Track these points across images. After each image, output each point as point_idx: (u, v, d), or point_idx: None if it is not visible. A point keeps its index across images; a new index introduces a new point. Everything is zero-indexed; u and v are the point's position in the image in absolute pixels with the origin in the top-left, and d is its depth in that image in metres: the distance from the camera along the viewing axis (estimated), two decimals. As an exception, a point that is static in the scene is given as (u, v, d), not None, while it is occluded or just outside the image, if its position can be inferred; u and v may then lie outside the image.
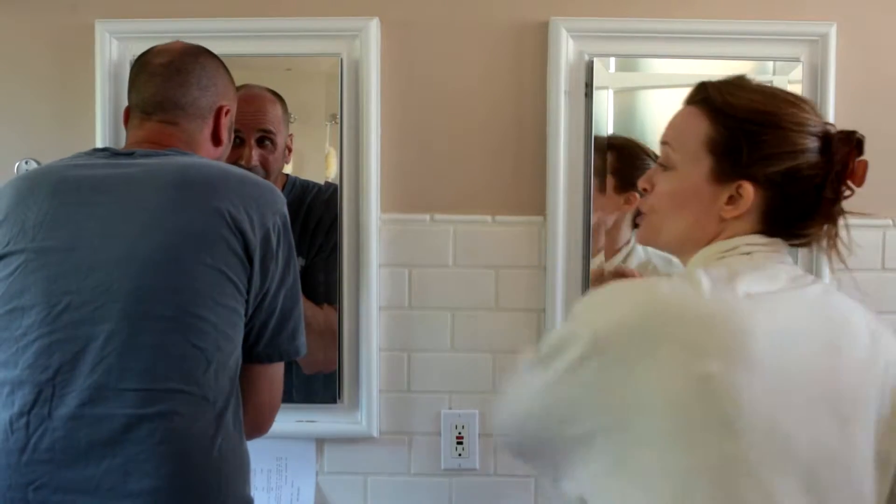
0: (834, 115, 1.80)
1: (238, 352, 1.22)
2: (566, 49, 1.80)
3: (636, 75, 1.86)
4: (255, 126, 1.75)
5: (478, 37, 1.83)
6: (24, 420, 1.13)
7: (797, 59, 1.82)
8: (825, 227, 1.02)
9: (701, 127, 1.02)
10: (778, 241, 1.02)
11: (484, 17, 1.83)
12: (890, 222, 1.85)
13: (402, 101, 1.84)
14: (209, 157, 1.35)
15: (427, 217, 1.85)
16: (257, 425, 1.32)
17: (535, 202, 1.83)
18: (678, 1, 1.82)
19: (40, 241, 1.17)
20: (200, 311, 1.15)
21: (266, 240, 1.21)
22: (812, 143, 1.00)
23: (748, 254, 1.00)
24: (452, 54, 1.83)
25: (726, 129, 1.00)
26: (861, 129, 1.79)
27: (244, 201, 1.20)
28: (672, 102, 1.10)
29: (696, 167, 1.02)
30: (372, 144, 1.80)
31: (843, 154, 1.00)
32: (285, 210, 1.28)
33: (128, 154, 1.27)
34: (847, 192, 1.02)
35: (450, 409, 1.85)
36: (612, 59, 1.83)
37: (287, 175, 1.84)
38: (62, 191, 1.21)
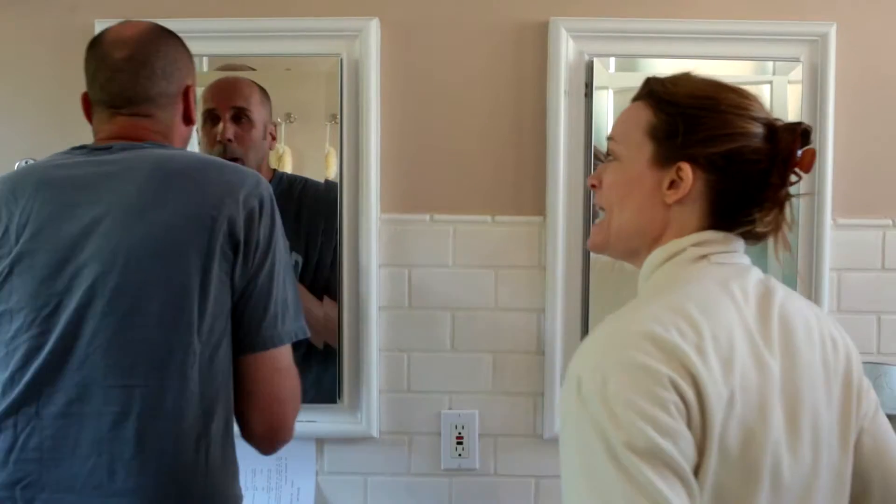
0: (834, 114, 1.80)
1: (227, 344, 1.19)
2: (566, 49, 1.80)
3: (636, 75, 1.86)
4: (228, 103, 1.79)
5: (478, 37, 1.83)
6: (12, 420, 1.13)
7: (797, 59, 1.82)
8: (772, 212, 1.00)
9: (643, 116, 1.03)
10: (730, 236, 1.01)
11: (484, 17, 1.83)
12: (890, 222, 1.85)
13: (402, 102, 1.84)
14: (182, 137, 1.33)
15: (427, 217, 1.85)
16: (270, 424, 1.23)
17: (535, 202, 1.83)
18: (678, 1, 1.82)
19: (26, 244, 1.17)
20: (185, 304, 1.13)
21: (249, 225, 1.19)
22: (754, 129, 0.99)
23: (706, 258, 0.99)
24: (452, 54, 1.83)
25: (667, 115, 1.01)
26: (861, 129, 1.82)
27: (224, 189, 1.18)
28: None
29: (639, 154, 1.02)
30: (372, 144, 1.80)
31: (787, 142, 0.99)
32: (268, 194, 1.24)
33: (105, 149, 1.24)
34: (794, 179, 1.01)
35: (450, 409, 1.85)
36: (612, 59, 1.83)
37: (274, 170, 1.85)
38: (45, 192, 1.20)
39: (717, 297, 0.95)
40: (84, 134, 1.35)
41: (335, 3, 1.82)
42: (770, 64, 1.84)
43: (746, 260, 1.03)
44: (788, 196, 1.01)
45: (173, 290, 1.14)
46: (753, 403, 0.89)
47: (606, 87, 1.81)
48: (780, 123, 1.01)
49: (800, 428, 0.93)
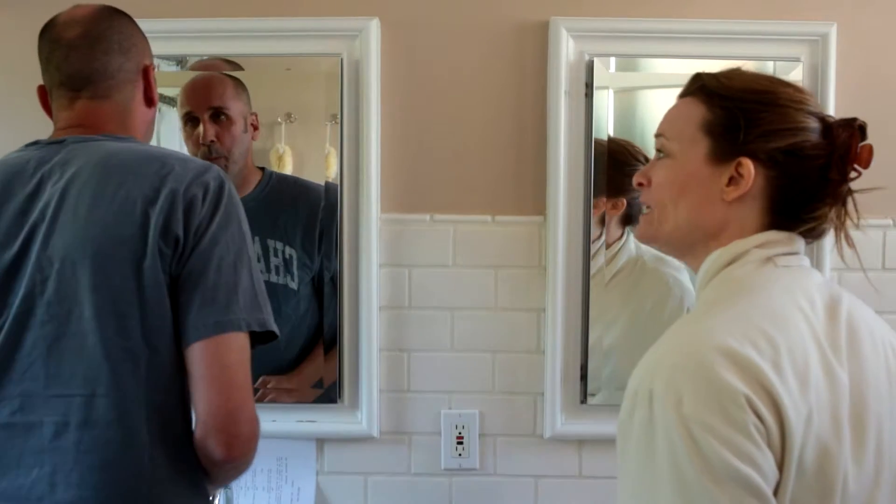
0: (834, 114, 1.79)
1: (171, 346, 1.12)
2: (566, 49, 1.80)
3: (636, 75, 1.86)
4: (205, 105, 1.80)
5: (478, 37, 1.83)
6: None
7: (797, 59, 1.82)
8: (833, 209, 0.99)
9: (696, 112, 1.01)
10: (793, 236, 0.99)
11: (484, 17, 1.83)
12: (890, 222, 1.85)
13: (402, 102, 1.84)
14: (144, 120, 1.29)
15: (427, 217, 1.85)
16: (226, 409, 1.10)
17: (535, 202, 1.83)
18: (678, 1, 1.82)
19: None
20: (122, 308, 1.09)
21: (189, 215, 1.12)
22: (812, 123, 0.98)
23: (773, 262, 0.96)
24: (452, 54, 1.83)
25: (723, 110, 0.99)
26: (861, 129, 1.82)
27: (162, 183, 1.13)
28: (672, 102, 1.09)
29: (694, 150, 1.00)
30: (372, 144, 1.80)
31: (844, 138, 0.98)
32: (216, 182, 1.16)
33: (59, 142, 1.21)
34: (853, 175, 0.99)
35: (450, 409, 1.85)
36: (612, 59, 1.83)
37: (262, 169, 1.85)
38: None
39: (787, 306, 0.92)
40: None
41: (335, 3, 1.82)
42: (770, 64, 1.84)
43: (807, 261, 1.01)
44: (850, 192, 0.99)
45: (108, 294, 1.09)
46: (827, 419, 0.87)
47: (607, 87, 1.81)
48: (832, 120, 1.00)
49: (865, 438, 0.91)
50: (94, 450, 1.08)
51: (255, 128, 1.83)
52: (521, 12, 1.82)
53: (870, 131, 1.04)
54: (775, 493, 0.84)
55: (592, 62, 1.80)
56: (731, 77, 1.02)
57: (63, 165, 1.16)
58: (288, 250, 1.82)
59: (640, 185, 1.06)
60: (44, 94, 1.29)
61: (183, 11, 1.80)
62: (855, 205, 1.00)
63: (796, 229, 0.99)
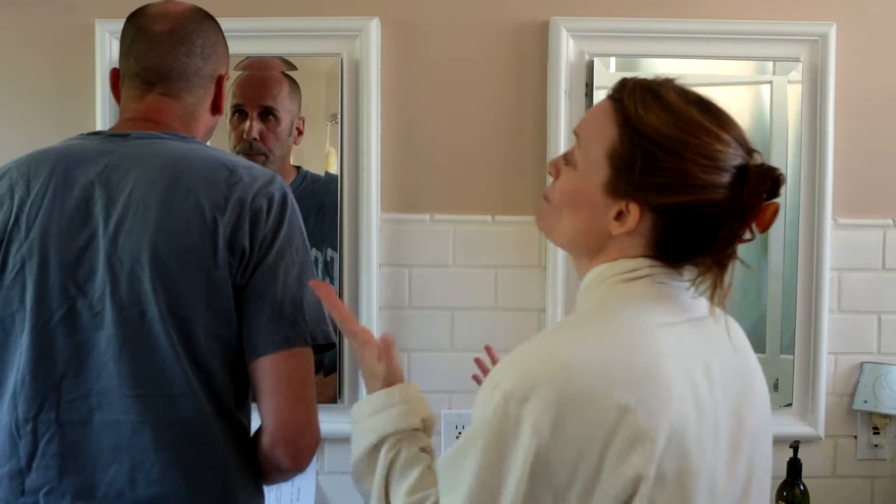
0: (834, 114, 1.80)
1: (237, 350, 1.15)
2: (566, 49, 1.80)
3: (644, 75, 1.86)
4: (256, 101, 1.81)
5: (478, 37, 1.83)
6: (30, 426, 1.12)
7: (797, 59, 1.82)
8: (709, 273, 0.93)
9: (608, 133, 0.95)
10: (680, 269, 0.97)
11: (484, 17, 1.83)
12: (890, 222, 1.85)
13: (402, 102, 1.84)
14: (206, 125, 1.30)
15: (427, 217, 1.85)
16: (294, 423, 1.14)
17: (535, 202, 1.82)
18: (678, 1, 1.82)
19: (37, 239, 1.13)
20: (188, 312, 1.11)
21: (254, 226, 1.14)
22: (719, 179, 0.91)
23: (661, 283, 0.96)
24: (452, 54, 1.83)
25: (630, 145, 0.93)
26: (860, 129, 1.82)
27: (231, 192, 1.14)
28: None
29: (595, 174, 0.96)
30: (372, 144, 1.80)
31: (753, 192, 0.91)
32: (280, 193, 1.18)
33: (123, 136, 1.20)
34: (748, 237, 0.93)
35: (450, 409, 1.85)
36: (612, 59, 1.83)
37: (298, 168, 1.85)
38: (59, 182, 1.15)
39: (656, 324, 0.92)
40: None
41: (335, 3, 1.82)
42: (770, 64, 1.85)
43: (688, 286, 0.97)
44: (733, 256, 0.94)
45: (176, 299, 1.11)
46: (693, 432, 0.88)
47: (606, 87, 1.79)
48: (753, 164, 0.93)
49: (739, 453, 0.94)
50: (171, 447, 1.10)
51: (300, 132, 1.84)
52: (521, 12, 1.82)
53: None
54: (633, 496, 0.85)
55: (592, 62, 1.80)
56: (649, 107, 0.94)
57: (129, 161, 1.16)
58: (314, 252, 1.82)
59: (551, 174, 1.04)
60: (116, 79, 1.28)
61: (183, 11, 1.80)
62: (732, 274, 0.94)
63: (680, 268, 0.97)
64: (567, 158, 1.01)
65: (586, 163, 0.97)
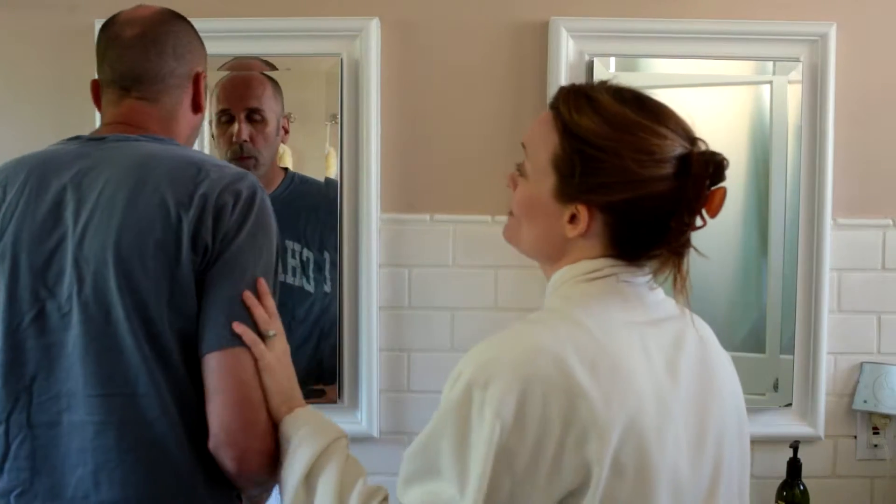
0: (834, 114, 1.80)
1: (195, 351, 1.12)
2: (566, 49, 1.80)
3: (636, 75, 1.86)
4: (243, 105, 1.80)
5: (478, 37, 1.83)
6: (2, 428, 1.12)
7: (797, 59, 1.82)
8: (668, 263, 0.96)
9: (550, 140, 0.99)
10: (641, 265, 0.99)
11: (484, 17, 1.83)
12: (890, 222, 1.85)
13: (402, 102, 1.84)
14: (189, 125, 1.29)
15: (427, 217, 1.85)
16: (240, 422, 1.10)
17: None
18: (678, 1, 1.82)
19: (8, 241, 1.13)
20: (152, 311, 1.09)
21: (217, 222, 1.12)
22: (660, 171, 0.93)
23: (625, 281, 0.97)
24: (452, 54, 1.83)
25: (569, 149, 0.96)
26: (860, 129, 1.82)
27: (196, 189, 1.12)
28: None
29: (544, 181, 0.99)
30: (372, 144, 1.80)
31: (697, 180, 0.93)
32: (249, 190, 1.15)
33: (100, 140, 1.20)
34: (699, 223, 0.96)
35: (450, 409, 1.85)
36: (612, 59, 1.83)
37: (286, 170, 1.85)
38: (33, 185, 1.16)
39: (619, 321, 0.95)
40: (84, 133, 1.34)
41: (335, 3, 1.82)
42: (770, 64, 1.85)
43: (650, 282, 0.99)
44: (687, 244, 0.96)
45: (140, 297, 1.09)
46: (652, 426, 0.89)
47: (606, 87, 1.80)
48: (696, 152, 0.95)
49: (704, 449, 0.95)
50: (135, 448, 1.09)
51: (286, 130, 1.84)
52: (521, 12, 1.82)
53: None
54: (586, 486, 0.86)
55: (592, 62, 1.80)
56: (582, 111, 0.96)
57: (101, 164, 1.16)
58: (306, 252, 1.82)
59: (509, 187, 1.07)
60: (96, 89, 1.29)
61: (183, 11, 1.78)
62: (687, 262, 0.97)
63: (641, 264, 0.99)
64: (520, 170, 1.05)
65: (535, 172, 1.01)
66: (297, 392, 1.16)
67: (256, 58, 1.83)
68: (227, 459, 1.10)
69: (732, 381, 1.04)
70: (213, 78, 1.81)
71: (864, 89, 1.83)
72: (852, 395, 1.87)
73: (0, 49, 1.85)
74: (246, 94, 1.81)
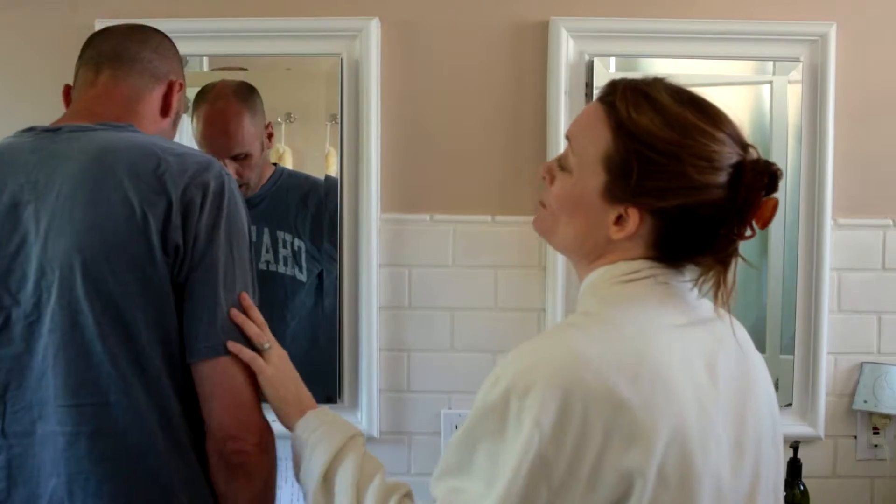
0: (834, 114, 1.80)
1: (177, 353, 1.11)
2: (566, 49, 1.80)
3: (636, 75, 1.86)
4: (226, 154, 1.76)
5: (478, 37, 1.83)
6: None
7: (797, 59, 1.82)
8: (712, 271, 0.93)
9: (602, 137, 0.94)
10: (681, 268, 0.97)
11: (484, 17, 1.83)
12: (890, 222, 1.85)
13: (402, 102, 1.84)
14: (156, 125, 1.26)
15: (427, 217, 1.85)
16: (237, 423, 1.11)
17: (535, 202, 1.82)
18: (678, 1, 1.82)
19: None
20: (126, 315, 1.06)
21: (186, 220, 1.09)
22: (717, 179, 0.91)
23: (664, 283, 0.95)
24: (452, 54, 1.83)
25: (625, 149, 0.92)
26: (861, 129, 1.82)
27: (160, 183, 1.08)
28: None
29: (591, 179, 0.95)
30: (372, 144, 1.80)
31: (751, 189, 0.91)
32: (217, 181, 1.12)
33: (54, 131, 1.16)
34: (748, 233, 0.93)
35: (450, 409, 1.85)
36: (612, 59, 1.83)
37: (275, 165, 1.85)
38: None
39: (658, 325, 0.92)
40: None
41: (335, 3, 1.82)
42: (770, 64, 1.85)
43: (690, 285, 0.97)
44: (734, 254, 0.94)
45: (111, 301, 1.06)
46: (695, 433, 0.88)
47: (606, 87, 1.80)
48: (749, 160, 0.93)
49: (744, 454, 0.94)
50: (109, 458, 1.07)
51: (271, 136, 1.83)
52: (521, 12, 1.83)
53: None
54: (628, 496, 0.84)
55: (592, 62, 1.80)
56: (642, 110, 0.93)
57: (56, 159, 1.12)
58: (297, 242, 1.82)
59: (544, 178, 1.03)
60: (67, 94, 1.29)
61: (183, 12, 1.80)
62: (735, 272, 0.94)
63: (682, 268, 0.97)
64: (561, 163, 1.00)
65: (581, 168, 0.97)
66: (306, 394, 1.16)
67: (226, 68, 1.81)
68: (226, 456, 1.11)
69: (767, 383, 1.02)
70: (210, 78, 1.82)
71: (864, 89, 1.83)
72: (852, 395, 1.87)
73: (1, 48, 1.85)
74: (227, 144, 1.77)
